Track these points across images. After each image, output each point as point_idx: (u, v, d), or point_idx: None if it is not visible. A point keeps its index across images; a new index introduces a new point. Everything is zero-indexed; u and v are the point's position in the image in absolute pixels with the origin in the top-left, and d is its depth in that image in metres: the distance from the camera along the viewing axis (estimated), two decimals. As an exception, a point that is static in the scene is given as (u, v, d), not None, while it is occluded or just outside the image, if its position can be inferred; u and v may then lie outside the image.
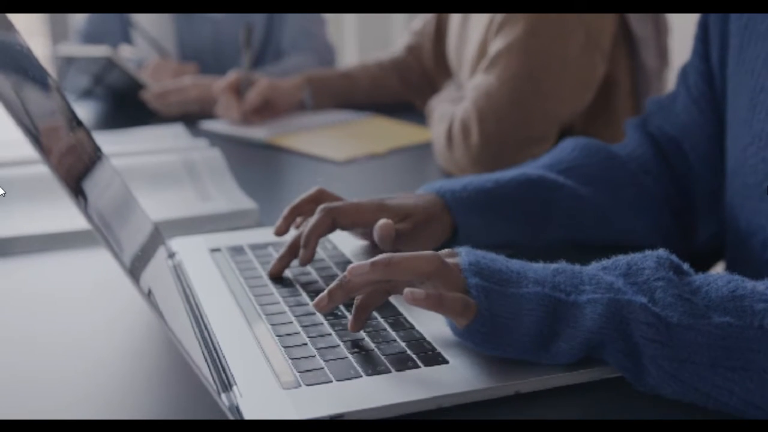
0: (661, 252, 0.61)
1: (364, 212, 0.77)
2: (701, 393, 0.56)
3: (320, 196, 0.81)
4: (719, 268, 0.86)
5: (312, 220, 0.76)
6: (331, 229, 0.77)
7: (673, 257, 0.61)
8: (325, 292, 0.65)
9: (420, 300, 0.58)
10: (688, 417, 0.56)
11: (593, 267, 0.62)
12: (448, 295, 0.59)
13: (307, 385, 0.58)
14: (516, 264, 0.62)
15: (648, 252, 0.61)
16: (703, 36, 0.84)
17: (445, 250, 0.64)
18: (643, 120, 0.90)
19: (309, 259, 0.76)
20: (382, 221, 0.76)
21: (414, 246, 0.77)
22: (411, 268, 0.61)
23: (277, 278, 0.77)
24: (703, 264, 0.88)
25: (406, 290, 0.59)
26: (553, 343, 0.59)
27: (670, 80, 1.17)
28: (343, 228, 0.78)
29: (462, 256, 0.62)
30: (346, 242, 0.84)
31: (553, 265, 0.62)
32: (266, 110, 1.48)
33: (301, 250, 0.76)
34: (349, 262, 0.80)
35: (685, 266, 0.61)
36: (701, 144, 0.85)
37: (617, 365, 0.58)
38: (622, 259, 0.61)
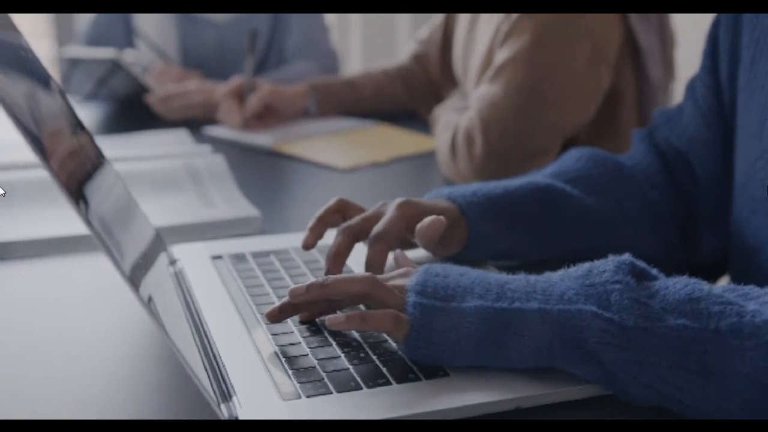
0: (625, 257, 0.61)
1: (409, 219, 0.75)
2: (666, 396, 0.56)
3: (343, 206, 0.80)
4: (724, 282, 0.86)
5: (370, 252, 0.73)
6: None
7: (637, 262, 0.61)
8: (277, 305, 0.67)
9: (341, 324, 0.62)
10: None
11: (553, 274, 0.63)
12: (373, 313, 0.61)
13: (307, 396, 0.57)
14: (469, 279, 0.63)
15: (611, 257, 0.62)
16: (711, 50, 0.83)
17: (401, 270, 0.67)
18: (650, 131, 0.90)
19: None
20: (430, 218, 0.72)
21: (443, 250, 0.77)
22: (344, 289, 0.64)
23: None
24: (707, 278, 0.88)
25: (327, 318, 0.62)
26: (502, 352, 0.60)
27: (676, 93, 1.16)
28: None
29: (413, 275, 0.63)
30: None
31: (512, 276, 0.63)
32: (269, 116, 1.48)
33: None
34: (349, 270, 0.80)
35: (653, 272, 0.61)
36: (707, 158, 0.84)
37: (585, 375, 0.59)
38: (585, 264, 0.62)
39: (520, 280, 0.62)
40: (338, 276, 0.64)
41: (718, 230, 0.84)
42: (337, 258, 0.74)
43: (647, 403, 0.58)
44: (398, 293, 0.63)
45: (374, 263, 0.72)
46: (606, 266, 0.60)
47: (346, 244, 0.74)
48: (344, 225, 0.75)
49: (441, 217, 0.72)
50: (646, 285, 0.59)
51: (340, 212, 0.79)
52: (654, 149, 0.87)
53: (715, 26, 0.83)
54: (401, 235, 0.74)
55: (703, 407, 0.55)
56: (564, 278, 0.61)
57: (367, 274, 0.64)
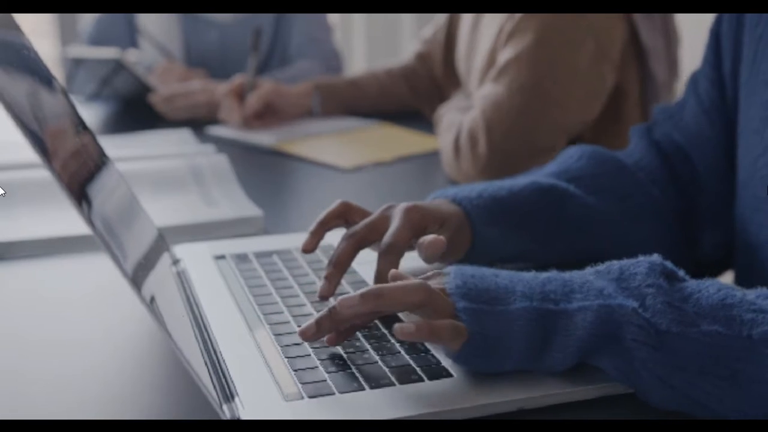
0: (655, 258, 0.61)
1: (414, 225, 0.73)
2: (692, 401, 0.56)
3: (346, 210, 0.78)
4: (725, 279, 0.85)
5: (380, 263, 0.71)
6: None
7: (667, 263, 0.61)
8: (313, 320, 0.62)
9: (411, 334, 0.58)
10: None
11: (586, 272, 0.62)
12: (438, 323, 0.58)
13: (310, 397, 0.57)
14: (505, 279, 0.62)
15: (641, 258, 0.61)
16: (714, 45, 0.83)
17: (433, 272, 0.64)
18: (649, 127, 0.89)
19: None
20: (432, 237, 0.71)
21: (449, 255, 0.76)
22: (400, 299, 0.60)
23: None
24: (708, 275, 0.88)
25: (396, 326, 0.58)
26: (546, 354, 0.59)
27: (680, 92, 1.16)
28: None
29: (450, 278, 0.62)
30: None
31: (544, 275, 0.62)
32: (270, 115, 1.48)
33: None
34: (353, 271, 0.79)
35: (681, 273, 0.61)
36: (709, 154, 0.84)
37: (611, 370, 0.58)
38: (615, 264, 0.62)
39: (555, 279, 0.61)
40: (392, 285, 0.60)
41: (719, 227, 0.84)
42: (340, 265, 0.72)
43: (668, 405, 0.57)
44: (446, 298, 0.60)
45: (385, 275, 0.69)
46: (637, 268, 0.60)
47: (351, 251, 0.73)
48: (349, 231, 0.74)
49: (442, 238, 0.71)
50: (678, 287, 0.59)
51: (342, 216, 0.78)
52: (653, 146, 0.87)
53: (718, 21, 0.83)
54: (407, 243, 0.73)
55: (727, 413, 0.55)
56: (597, 277, 0.61)
57: (419, 281, 0.61)
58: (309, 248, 0.76)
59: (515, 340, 0.58)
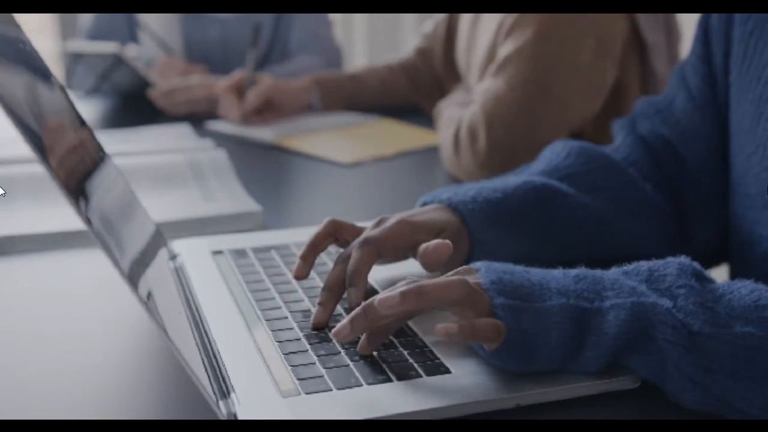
0: (683, 259, 0.61)
1: (403, 236, 0.72)
2: (723, 402, 0.55)
3: (336, 228, 0.75)
4: (718, 273, 0.85)
5: (355, 256, 0.69)
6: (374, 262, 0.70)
7: (696, 264, 0.60)
8: (347, 320, 0.60)
9: (455, 335, 0.57)
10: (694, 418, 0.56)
11: (614, 272, 0.62)
12: (479, 323, 0.57)
13: (307, 393, 0.57)
14: (537, 275, 0.61)
15: (670, 259, 0.61)
16: (704, 38, 0.82)
17: (463, 267, 0.63)
18: (632, 121, 0.88)
19: (361, 299, 0.66)
20: (437, 242, 0.67)
21: (446, 263, 0.74)
22: (442, 296, 0.58)
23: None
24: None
25: (439, 327, 0.57)
26: (580, 353, 0.58)
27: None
28: (385, 257, 0.72)
29: (482, 273, 0.60)
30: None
31: (574, 271, 0.61)
32: (269, 111, 1.48)
33: (350, 290, 0.68)
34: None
35: (707, 274, 0.60)
36: (700, 149, 0.83)
37: (642, 370, 0.58)
38: (643, 265, 0.61)
39: (585, 276, 0.60)
40: (432, 282, 0.58)
41: (711, 223, 0.83)
42: (336, 290, 0.69)
43: (699, 406, 0.56)
44: (483, 293, 0.59)
45: (358, 268, 0.68)
46: (667, 269, 0.60)
47: (372, 258, 0.70)
48: (343, 254, 0.71)
49: (448, 242, 0.68)
50: (709, 288, 0.58)
51: (332, 235, 0.74)
52: (640, 141, 0.86)
53: (707, 14, 0.82)
54: (391, 246, 0.71)
55: (758, 413, 0.55)
56: (626, 277, 0.60)
57: (458, 277, 0.59)
58: (302, 275, 0.73)
59: (552, 338, 0.57)
